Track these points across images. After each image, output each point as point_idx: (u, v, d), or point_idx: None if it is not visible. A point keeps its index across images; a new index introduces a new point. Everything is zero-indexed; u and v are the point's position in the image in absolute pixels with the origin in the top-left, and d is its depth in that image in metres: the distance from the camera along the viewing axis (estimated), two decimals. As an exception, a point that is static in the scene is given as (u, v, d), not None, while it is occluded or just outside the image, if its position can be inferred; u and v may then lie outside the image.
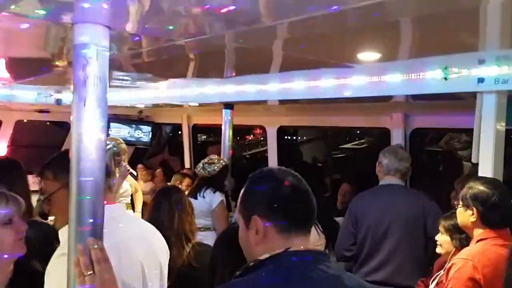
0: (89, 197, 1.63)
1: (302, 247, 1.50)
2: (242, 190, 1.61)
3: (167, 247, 2.32)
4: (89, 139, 1.62)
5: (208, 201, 4.82)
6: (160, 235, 2.31)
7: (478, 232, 2.63)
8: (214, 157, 5.09)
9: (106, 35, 1.65)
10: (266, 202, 1.52)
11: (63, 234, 1.80)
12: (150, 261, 2.08)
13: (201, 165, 4.97)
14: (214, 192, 4.82)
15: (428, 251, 3.56)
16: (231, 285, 1.50)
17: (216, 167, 4.92)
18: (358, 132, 9.33)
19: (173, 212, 3.13)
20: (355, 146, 9.59)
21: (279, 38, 2.73)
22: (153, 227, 2.33)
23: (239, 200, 1.61)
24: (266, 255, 1.47)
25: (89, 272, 1.60)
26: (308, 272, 1.45)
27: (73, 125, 1.63)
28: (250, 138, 11.90)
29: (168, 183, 6.40)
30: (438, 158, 7.58)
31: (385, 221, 3.46)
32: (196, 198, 4.74)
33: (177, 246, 3.02)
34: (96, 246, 1.64)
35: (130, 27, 2.04)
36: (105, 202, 1.98)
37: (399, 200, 3.55)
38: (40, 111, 8.16)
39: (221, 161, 5.05)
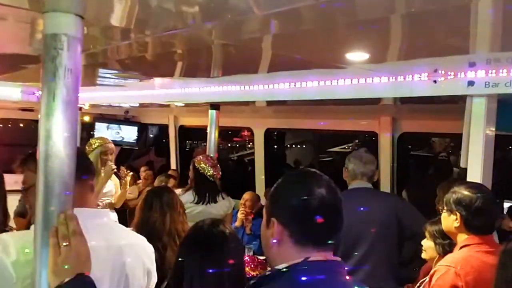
0: (57, 198, 1.53)
1: (321, 257, 1.42)
2: (274, 186, 1.52)
3: (145, 262, 2.09)
4: (58, 136, 1.51)
5: (228, 204, 4.68)
6: (141, 249, 2.09)
7: (462, 238, 2.58)
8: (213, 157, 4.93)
9: (79, 25, 1.55)
10: (289, 210, 1.43)
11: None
12: (115, 276, 1.89)
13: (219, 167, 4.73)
14: (227, 196, 4.69)
15: (403, 250, 3.53)
16: None
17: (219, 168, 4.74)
18: (346, 135, 9.31)
19: (164, 212, 3.07)
20: (342, 150, 9.57)
21: (266, 35, 2.65)
22: (134, 240, 2.10)
23: (269, 193, 1.53)
24: (285, 265, 1.40)
25: (65, 244, 1.52)
26: (328, 284, 1.39)
27: (41, 120, 1.53)
28: (237, 140, 11.84)
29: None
30: (425, 163, 7.57)
31: (357, 225, 3.38)
32: (216, 202, 4.54)
33: (171, 245, 2.96)
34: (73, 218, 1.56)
35: (105, 17, 1.93)
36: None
37: (369, 204, 3.49)
38: (24, 110, 8.04)
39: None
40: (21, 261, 1.67)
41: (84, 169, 1.84)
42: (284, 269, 1.39)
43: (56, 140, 1.52)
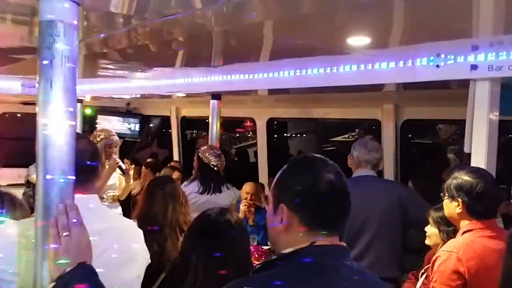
0: (57, 187, 1.51)
1: (328, 242, 1.42)
2: (280, 171, 1.52)
3: (145, 249, 2.06)
4: (56, 124, 1.50)
5: (234, 195, 4.69)
6: (138, 235, 2.06)
7: (464, 224, 2.56)
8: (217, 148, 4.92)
9: (75, 11, 1.53)
10: (297, 196, 1.42)
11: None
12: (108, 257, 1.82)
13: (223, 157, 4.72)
14: (232, 186, 4.69)
15: (407, 238, 3.53)
16: (251, 279, 1.42)
17: (223, 159, 4.72)
18: (349, 124, 9.27)
19: (167, 203, 3.02)
20: (345, 139, 9.52)
21: (267, 21, 2.62)
22: (130, 225, 2.09)
23: (274, 180, 1.52)
24: (290, 249, 1.40)
25: (65, 234, 1.50)
26: (334, 268, 1.40)
27: (39, 108, 1.51)
28: (240, 130, 11.81)
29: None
30: (428, 150, 7.53)
31: (361, 214, 3.37)
32: (221, 192, 4.55)
33: (171, 237, 2.92)
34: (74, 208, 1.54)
35: (104, 3, 1.90)
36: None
37: (373, 192, 3.48)
38: (25, 103, 8.04)
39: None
40: (23, 243, 1.67)
41: (86, 171, 1.81)
42: (290, 253, 1.39)
43: (55, 128, 1.50)
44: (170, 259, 2.79)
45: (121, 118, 8.50)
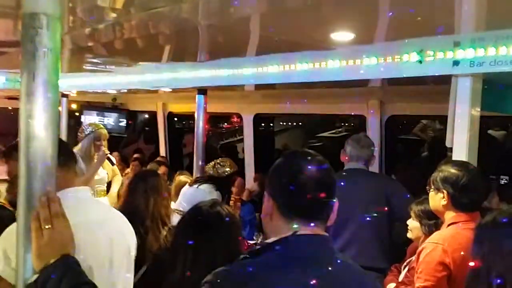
0: (40, 180, 1.51)
1: (309, 231, 1.45)
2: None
3: (134, 234, 2.20)
4: (39, 117, 1.49)
5: (205, 193, 4.74)
6: (128, 223, 2.19)
7: (449, 216, 2.59)
8: (226, 160, 5.00)
9: (59, 4, 1.53)
10: (277, 186, 1.49)
11: None
12: (114, 246, 1.96)
13: (212, 164, 4.86)
14: (216, 190, 4.72)
15: (393, 232, 3.58)
16: (234, 267, 1.44)
17: (226, 171, 4.80)
18: (335, 121, 9.34)
19: (148, 195, 3.04)
20: (331, 135, 9.59)
21: (253, 15, 2.63)
22: (120, 214, 2.20)
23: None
24: (273, 239, 1.45)
25: (47, 226, 1.50)
26: (314, 257, 1.43)
27: (21, 101, 1.51)
28: (227, 126, 11.81)
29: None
30: (413, 146, 7.61)
31: (348, 204, 3.39)
32: (190, 185, 4.71)
33: (153, 230, 2.95)
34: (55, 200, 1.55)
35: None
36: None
37: (361, 183, 3.55)
38: (9, 98, 7.96)
39: (233, 168, 4.91)
40: None
41: (66, 154, 1.82)
42: (273, 243, 1.43)
43: (37, 122, 1.50)
44: (153, 249, 2.82)
45: (107, 114, 8.45)
